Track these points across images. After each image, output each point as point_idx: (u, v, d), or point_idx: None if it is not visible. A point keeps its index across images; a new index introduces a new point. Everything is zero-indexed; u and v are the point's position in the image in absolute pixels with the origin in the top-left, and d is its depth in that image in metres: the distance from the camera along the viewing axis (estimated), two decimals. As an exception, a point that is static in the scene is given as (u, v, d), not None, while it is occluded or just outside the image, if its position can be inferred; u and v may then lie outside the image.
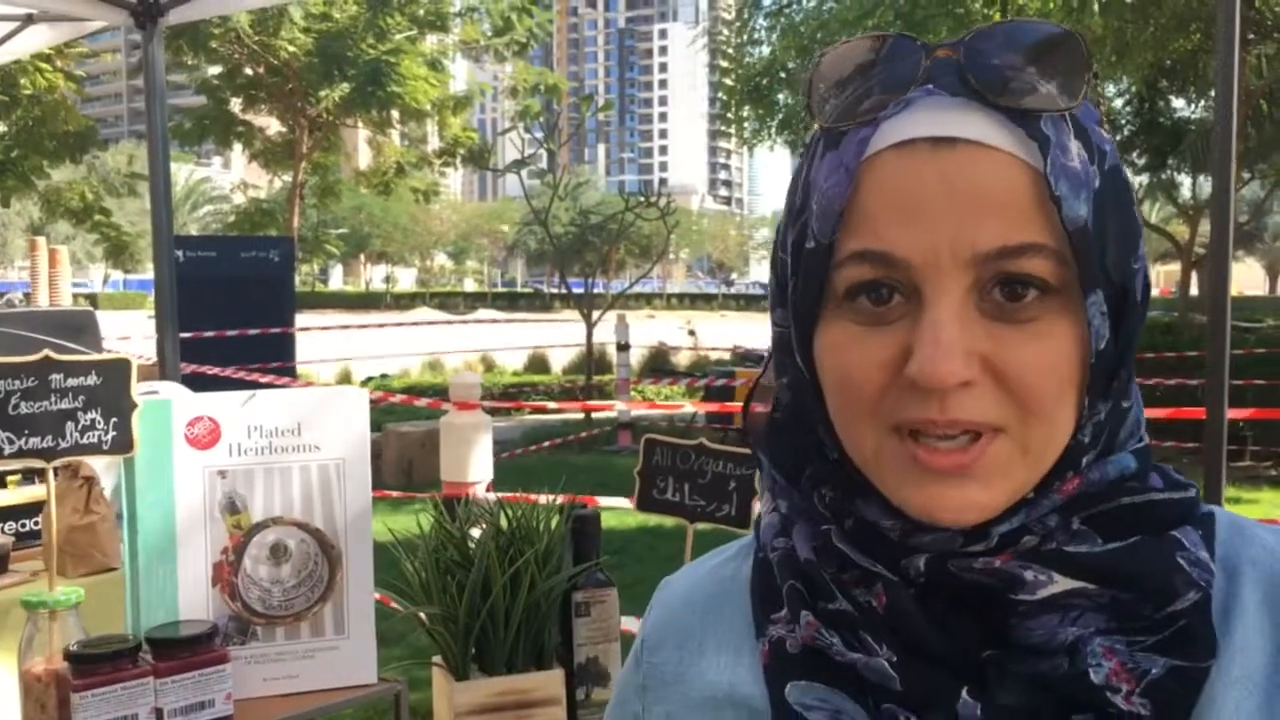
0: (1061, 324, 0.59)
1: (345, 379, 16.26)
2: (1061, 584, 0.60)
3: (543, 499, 1.96)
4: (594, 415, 12.10)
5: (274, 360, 10.82)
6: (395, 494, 6.96)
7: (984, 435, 0.59)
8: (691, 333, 19.28)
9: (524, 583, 1.80)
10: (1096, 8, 11.94)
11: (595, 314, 12.24)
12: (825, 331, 0.64)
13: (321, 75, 20.17)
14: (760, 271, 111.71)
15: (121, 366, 1.72)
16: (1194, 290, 19.02)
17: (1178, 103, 17.71)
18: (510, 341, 17.95)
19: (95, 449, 1.69)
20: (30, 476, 2.67)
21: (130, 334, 12.52)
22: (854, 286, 0.61)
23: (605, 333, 12.46)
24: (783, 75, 16.91)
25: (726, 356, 15.72)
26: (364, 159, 28.21)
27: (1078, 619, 0.60)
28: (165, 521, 1.74)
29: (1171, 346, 10.00)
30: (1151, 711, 0.58)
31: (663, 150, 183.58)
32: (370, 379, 15.84)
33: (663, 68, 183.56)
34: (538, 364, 18.27)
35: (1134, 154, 16.92)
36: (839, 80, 0.64)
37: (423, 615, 1.83)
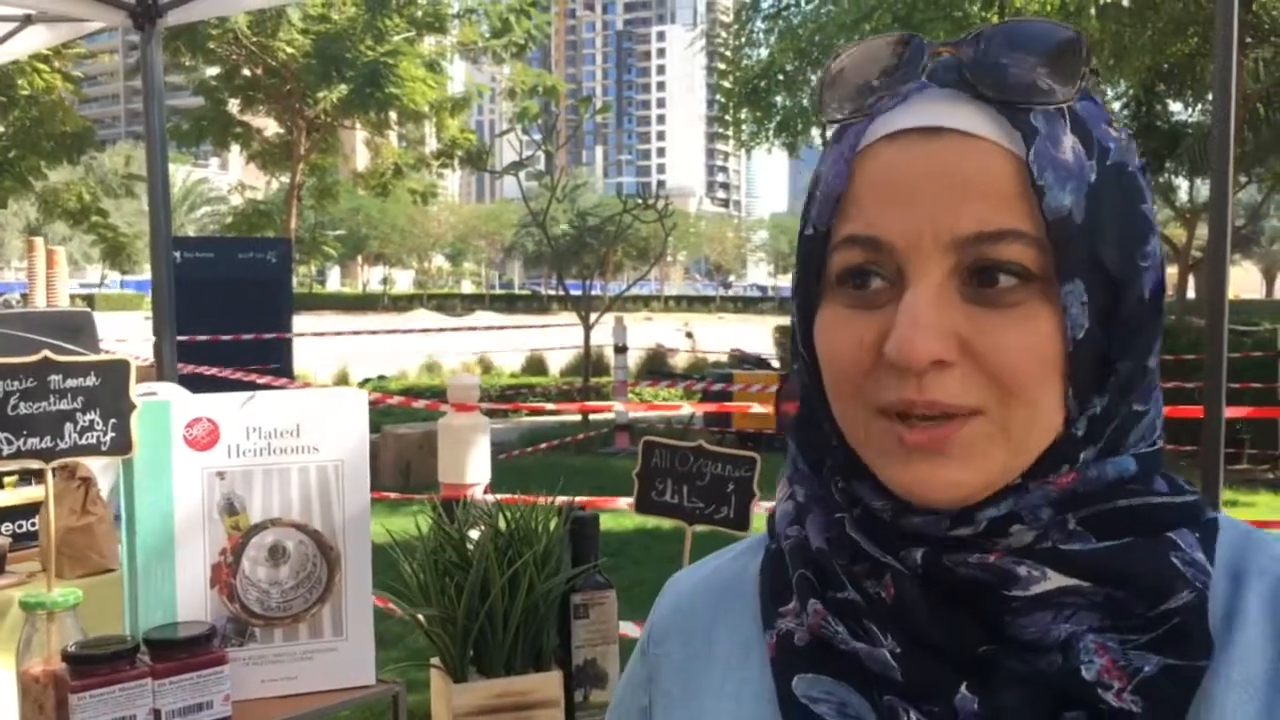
0: (1044, 310, 0.60)
1: (343, 380, 16.26)
2: (1055, 581, 0.61)
3: (541, 500, 1.96)
4: (591, 417, 12.10)
5: (271, 361, 10.82)
6: (393, 495, 6.95)
7: (961, 414, 0.61)
8: (689, 335, 19.28)
9: (522, 584, 1.79)
10: (1094, 11, 11.97)
11: (593, 316, 12.25)
12: (821, 315, 0.66)
13: (319, 76, 20.18)
14: (758, 274, 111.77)
15: (120, 368, 1.72)
16: (1191, 293, 19.06)
17: (1175, 106, 17.76)
18: (508, 343, 17.95)
19: (94, 450, 1.69)
20: (27, 477, 2.67)
21: (128, 335, 12.50)
22: (845, 271, 0.64)
23: (603, 335, 12.46)
24: (780, 78, 16.92)
25: (724, 359, 15.73)
26: (362, 160, 28.23)
27: (1071, 616, 0.61)
28: (164, 522, 1.73)
29: (1168, 350, 10.00)
30: (1143, 709, 0.58)
31: (660, 152, 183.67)
32: (368, 380, 15.85)
33: (661, 70, 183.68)
34: (535, 366, 18.28)
35: (1131, 157, 16.93)
36: (846, 80, 0.67)
37: (421, 617, 1.83)
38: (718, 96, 21.33)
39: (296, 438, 1.81)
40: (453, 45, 21.90)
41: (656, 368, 16.92)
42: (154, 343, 4.52)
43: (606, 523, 2.14)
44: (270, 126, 23.84)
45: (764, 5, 17.82)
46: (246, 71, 21.01)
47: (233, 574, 1.77)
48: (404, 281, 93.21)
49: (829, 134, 0.69)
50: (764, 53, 17.87)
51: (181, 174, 67.63)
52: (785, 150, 18.64)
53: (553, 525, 1.91)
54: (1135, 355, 0.64)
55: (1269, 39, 13.66)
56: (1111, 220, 0.62)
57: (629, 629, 3.71)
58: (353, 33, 19.84)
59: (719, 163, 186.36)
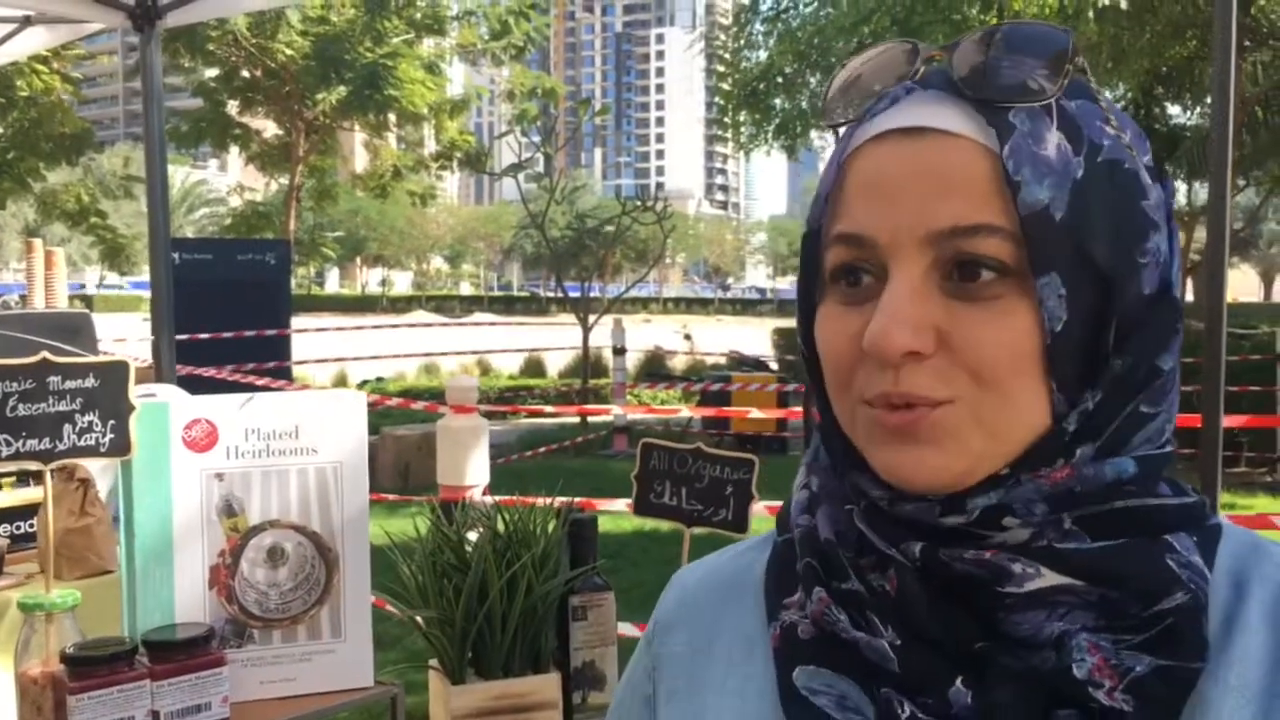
0: (1022, 304, 0.61)
1: (341, 382, 16.25)
2: (1049, 578, 0.61)
3: (540, 502, 1.96)
4: (590, 419, 12.10)
5: (270, 362, 10.82)
6: (391, 497, 6.95)
7: (930, 404, 0.62)
8: (688, 337, 19.29)
9: (521, 586, 1.80)
10: (1092, 14, 11.98)
11: (591, 318, 12.25)
12: (819, 313, 0.69)
13: (318, 78, 20.20)
14: (756, 276, 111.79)
15: (119, 369, 1.72)
16: (1189, 296, 19.07)
17: (1173, 109, 17.77)
18: (506, 345, 17.94)
19: (93, 451, 1.69)
20: (25, 479, 2.67)
21: (126, 336, 12.50)
22: (836, 268, 0.66)
23: (601, 336, 12.46)
24: (779, 80, 16.94)
25: (722, 361, 15.74)
26: (360, 162, 28.24)
27: (1065, 615, 0.61)
28: (162, 524, 1.73)
29: (1167, 352, 9.97)
30: (1134, 708, 0.59)
31: (659, 155, 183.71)
32: (366, 382, 15.83)
33: (660, 72, 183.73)
34: (534, 368, 18.26)
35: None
36: (846, 87, 0.71)
37: (419, 619, 1.83)
38: (717, 99, 21.34)
39: (295, 439, 1.81)
40: (452, 47, 21.92)
41: (655, 370, 16.92)
42: (152, 344, 4.52)
43: (605, 525, 2.14)
44: (269, 128, 23.85)
45: (763, 8, 17.83)
46: (245, 73, 21.03)
47: (231, 575, 1.77)
48: (402, 283, 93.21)
49: (837, 135, 0.72)
50: (763, 55, 17.88)
51: (180, 175, 67.63)
52: (784, 153, 18.66)
53: (551, 527, 1.91)
54: (1138, 353, 0.64)
55: (1267, 42, 13.68)
56: (1102, 216, 0.62)
57: (627, 631, 3.72)
58: (352, 34, 19.86)
59: (718, 165, 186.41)
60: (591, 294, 13.50)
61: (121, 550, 1.76)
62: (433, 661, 1.86)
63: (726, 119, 18.81)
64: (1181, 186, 20.17)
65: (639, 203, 12.42)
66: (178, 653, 1.59)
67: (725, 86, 18.74)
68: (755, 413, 9.65)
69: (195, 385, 4.30)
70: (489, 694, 1.80)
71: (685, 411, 11.78)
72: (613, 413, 11.33)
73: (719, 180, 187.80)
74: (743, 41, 18.41)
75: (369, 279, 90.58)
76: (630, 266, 46.02)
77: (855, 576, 0.66)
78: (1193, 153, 15.36)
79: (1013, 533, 0.63)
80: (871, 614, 0.65)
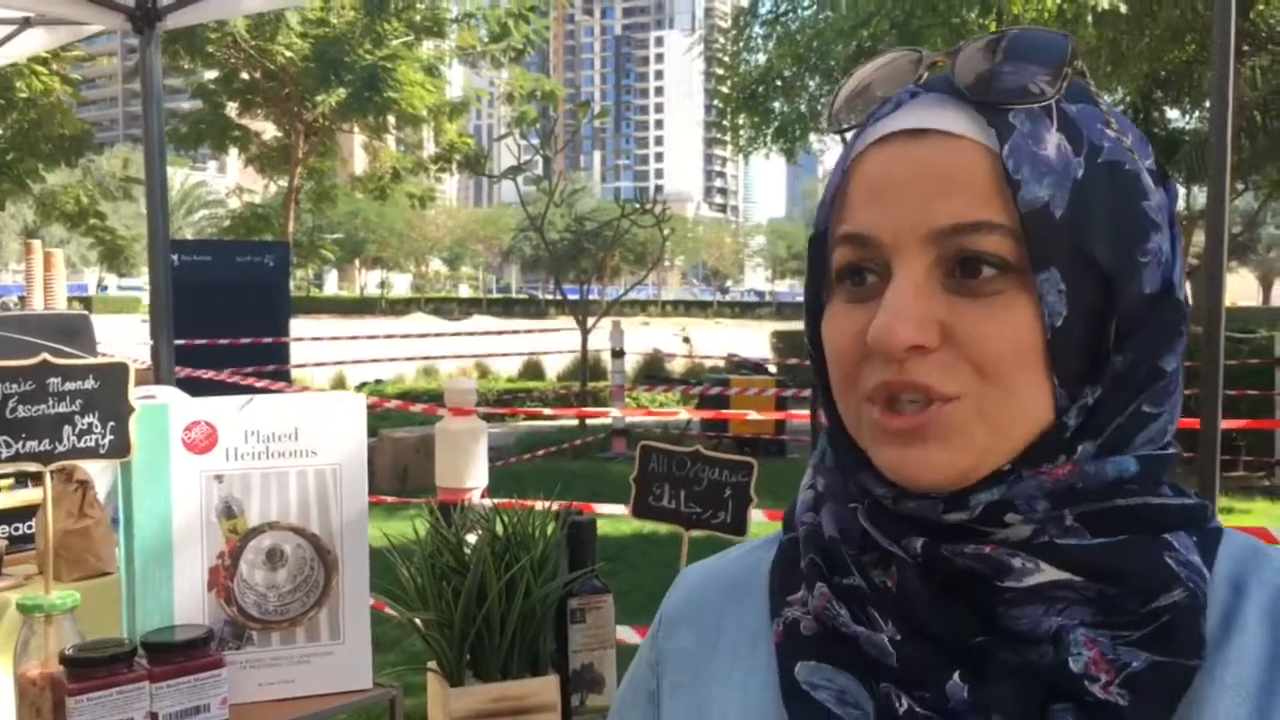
0: (1023, 300, 0.63)
1: (340, 384, 16.26)
2: (1048, 574, 0.62)
3: (538, 505, 1.97)
4: (589, 422, 12.10)
5: (268, 365, 10.82)
6: (390, 499, 6.95)
7: (939, 401, 0.63)
8: (686, 340, 19.29)
9: (519, 589, 1.80)
10: (1091, 19, 11.99)
11: (590, 320, 12.24)
12: (826, 313, 0.70)
13: (318, 80, 20.20)
14: (755, 279, 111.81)
15: (119, 371, 1.72)
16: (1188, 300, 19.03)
17: (1172, 113, 17.79)
18: (505, 348, 17.94)
19: (92, 453, 1.69)
20: (23, 480, 2.67)
21: (124, 338, 12.50)
22: (841, 269, 0.68)
23: (600, 339, 12.46)
24: (778, 83, 16.94)
25: (721, 364, 15.74)
26: (360, 164, 28.24)
27: (1063, 610, 0.62)
28: (161, 526, 1.74)
29: (1165, 356, 9.96)
30: (1130, 702, 0.60)
31: (658, 157, 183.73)
32: (365, 384, 15.84)
33: (659, 75, 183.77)
34: (532, 370, 18.26)
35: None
36: (852, 95, 0.72)
37: (418, 621, 1.83)
38: (716, 102, 21.35)
39: (295, 441, 1.81)
40: (451, 50, 21.94)
41: (654, 372, 16.93)
42: (151, 346, 4.52)
43: (603, 527, 2.14)
44: (268, 130, 23.86)
45: (762, 11, 17.84)
46: (245, 75, 21.04)
47: (230, 577, 1.77)
48: (401, 285, 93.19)
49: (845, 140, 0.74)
50: (762, 58, 17.89)
51: (179, 177, 67.60)
52: (783, 156, 18.66)
53: (550, 530, 1.91)
54: (1139, 351, 0.65)
55: (1266, 47, 13.70)
56: (1102, 216, 0.64)
57: (626, 634, 3.72)
58: (351, 37, 19.86)
59: (717, 168, 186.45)
60: (590, 296, 13.50)
61: (121, 552, 1.76)
62: (431, 664, 1.86)
63: (725, 122, 18.82)
64: (1180, 191, 20.11)
65: (638, 205, 12.41)
66: (176, 654, 1.59)
67: (724, 89, 18.75)
68: (753, 412, 9.65)
69: (194, 387, 4.30)
70: (487, 696, 1.80)
71: (684, 414, 11.78)
72: (611, 415, 11.33)
73: (718, 183, 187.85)
74: (742, 44, 18.42)
75: (368, 281, 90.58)
76: (629, 269, 46.02)
77: (857, 572, 0.67)
78: (1191, 157, 15.39)
79: (1015, 529, 0.64)
80: (872, 609, 0.66)
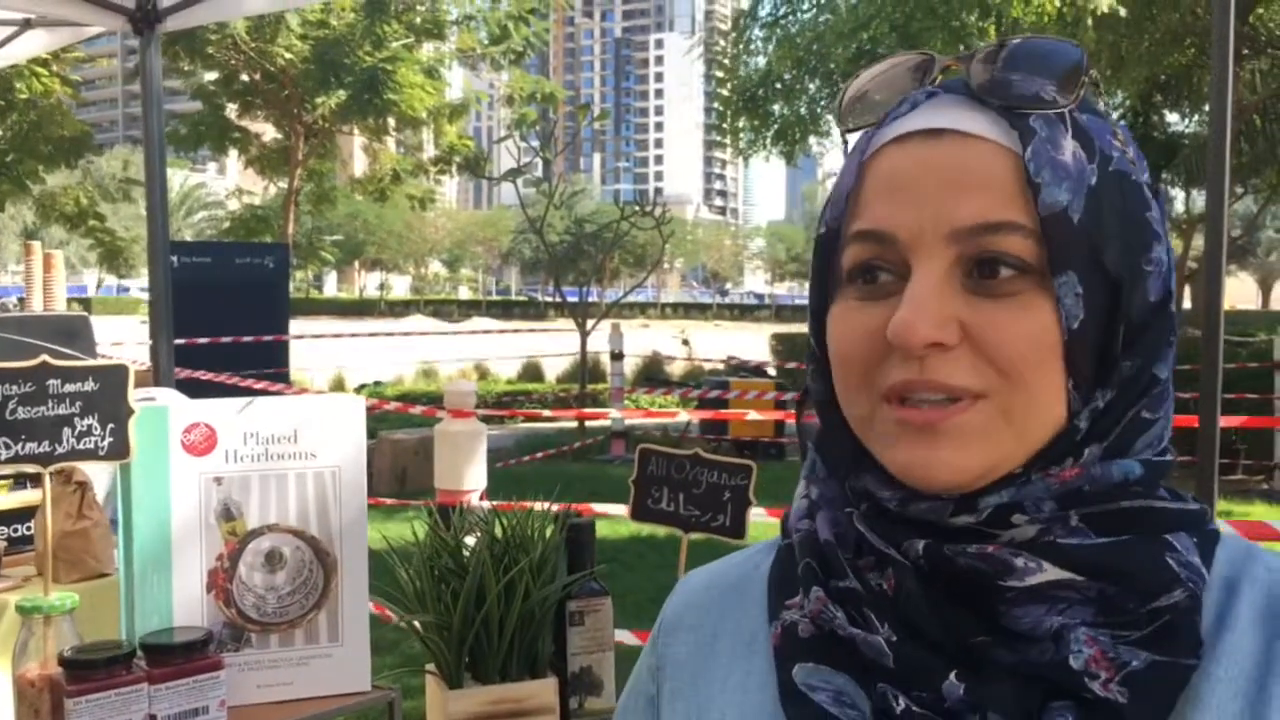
0: (1042, 301, 0.63)
1: (339, 386, 16.26)
2: (1050, 573, 0.63)
3: (537, 507, 1.97)
4: (588, 424, 12.10)
5: (268, 366, 10.82)
6: (389, 501, 6.95)
7: (964, 399, 0.63)
8: (686, 342, 19.28)
9: (518, 591, 1.80)
10: (1091, 22, 11.99)
11: (589, 323, 12.24)
12: (833, 309, 0.70)
13: (318, 82, 20.18)
14: (754, 282, 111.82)
15: (119, 372, 1.72)
16: (1187, 304, 19.09)
17: (1172, 117, 17.81)
18: (504, 350, 17.94)
19: (92, 454, 1.69)
20: (22, 481, 2.66)
21: (123, 339, 12.49)
22: (854, 267, 0.67)
23: (599, 341, 12.46)
24: (778, 86, 16.93)
25: (720, 366, 15.73)
26: (359, 166, 28.23)
27: (1065, 610, 0.63)
28: (160, 528, 1.73)
29: (1164, 359, 9.96)
30: (1129, 700, 0.60)
31: (658, 160, 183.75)
32: (364, 386, 15.83)
33: (659, 77, 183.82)
34: (532, 372, 18.27)
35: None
36: (862, 96, 0.72)
37: (417, 623, 1.83)
38: (715, 104, 21.35)
39: (294, 443, 1.82)
40: (451, 52, 21.93)
41: (653, 375, 16.92)
42: (151, 347, 4.51)
43: (602, 530, 2.14)
44: (268, 132, 23.85)
45: (762, 14, 17.83)
46: (245, 77, 21.02)
47: (229, 579, 1.77)
48: (401, 287, 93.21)
49: (848, 143, 0.73)
50: (762, 61, 17.88)
51: (179, 178, 67.63)
52: (783, 158, 18.64)
53: (549, 532, 1.91)
54: (1142, 356, 0.66)
55: (1265, 50, 13.71)
56: (1113, 223, 0.65)
57: (625, 636, 3.72)
58: (351, 39, 19.85)
59: (716, 170, 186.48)
60: (589, 299, 13.49)
61: (119, 553, 1.76)
62: (430, 666, 1.86)
63: (725, 124, 18.79)
64: (1180, 194, 20.20)
65: (637, 208, 12.41)
66: (175, 656, 1.59)
67: (724, 92, 18.74)
68: (753, 414, 9.65)
69: (193, 388, 4.30)
70: (486, 699, 1.80)
71: (683, 415, 11.78)
72: (610, 417, 11.33)
73: (717, 185, 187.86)
74: (742, 47, 18.41)
75: (367, 283, 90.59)
76: (629, 271, 46.04)
77: (853, 575, 0.67)
78: (1191, 160, 15.40)
79: (1020, 530, 0.64)
80: (868, 611, 0.66)
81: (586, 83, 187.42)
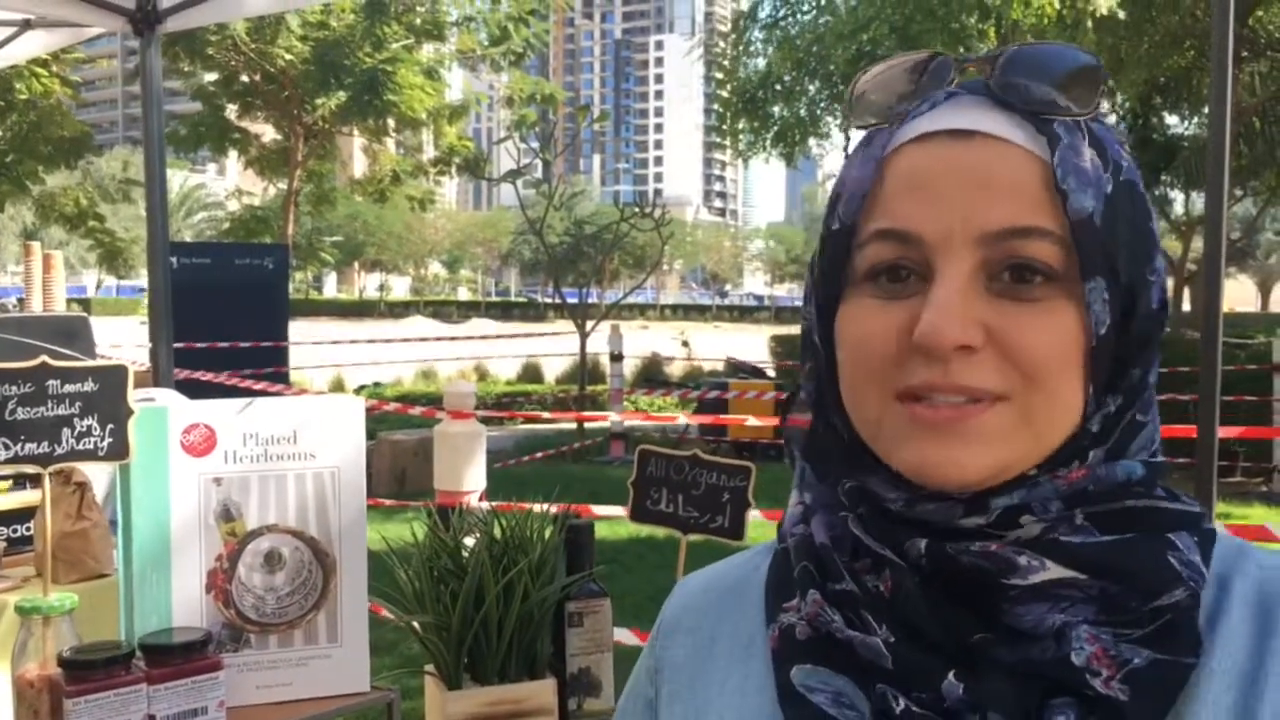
0: (1066, 307, 0.63)
1: (339, 387, 16.26)
2: (1054, 571, 0.63)
3: (537, 508, 1.96)
4: (587, 425, 12.11)
5: (267, 367, 10.82)
6: (388, 502, 6.95)
7: (984, 400, 0.63)
8: (685, 344, 19.28)
9: (517, 592, 1.80)
10: (1090, 24, 12.00)
11: (589, 324, 12.24)
12: (845, 309, 0.69)
13: (318, 83, 20.17)
14: (754, 283, 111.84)
15: (118, 373, 1.72)
16: (1186, 306, 19.10)
17: (1171, 119, 17.84)
18: (504, 351, 17.94)
19: (91, 455, 1.69)
20: (21, 482, 2.66)
21: (123, 340, 12.49)
22: (874, 266, 0.67)
23: (599, 343, 12.46)
24: (778, 88, 16.95)
25: (720, 368, 15.74)
26: (359, 167, 28.22)
27: (1067, 608, 0.63)
28: (160, 528, 1.74)
29: (1163, 362, 9.93)
30: (1129, 697, 0.60)
31: (658, 161, 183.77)
32: (363, 387, 15.83)
33: (659, 79, 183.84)
34: (531, 373, 18.28)
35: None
36: (879, 93, 0.71)
37: (415, 624, 1.83)
38: (715, 106, 21.35)
39: (293, 444, 1.82)
40: (451, 53, 21.92)
41: (652, 376, 16.92)
42: (150, 348, 4.51)
43: (601, 531, 2.14)
44: (268, 133, 23.83)
45: (761, 15, 17.85)
46: (245, 78, 21.01)
47: (228, 580, 1.77)
48: (400, 288, 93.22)
49: (851, 140, 0.73)
50: (761, 63, 17.90)
51: (179, 179, 67.64)
52: (782, 160, 18.66)
53: (548, 533, 1.91)
54: (1144, 363, 0.67)
55: (1265, 53, 13.72)
56: (1125, 231, 0.65)
57: (624, 637, 3.72)
58: (351, 40, 19.84)
59: (716, 172, 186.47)
60: (589, 300, 13.49)
61: (119, 554, 1.76)
62: (429, 667, 1.86)
63: (725, 126, 18.81)
64: (1179, 196, 20.22)
65: (637, 209, 12.41)
66: (174, 657, 1.59)
67: (724, 93, 18.75)
68: (752, 416, 9.65)
69: (192, 389, 4.30)
70: (485, 699, 1.81)
71: (683, 418, 11.80)
72: (610, 419, 11.34)
73: (717, 187, 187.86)
74: (741, 49, 18.42)
75: (367, 284, 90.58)
76: (628, 273, 46.04)
77: (849, 577, 0.68)
78: (1190, 162, 15.42)
79: (1026, 528, 0.65)
80: (865, 613, 0.66)
81: (586, 84, 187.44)
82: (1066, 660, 0.61)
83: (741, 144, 18.66)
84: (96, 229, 27.07)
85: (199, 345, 9.44)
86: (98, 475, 2.44)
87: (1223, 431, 3.53)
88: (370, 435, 9.19)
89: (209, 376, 8.26)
